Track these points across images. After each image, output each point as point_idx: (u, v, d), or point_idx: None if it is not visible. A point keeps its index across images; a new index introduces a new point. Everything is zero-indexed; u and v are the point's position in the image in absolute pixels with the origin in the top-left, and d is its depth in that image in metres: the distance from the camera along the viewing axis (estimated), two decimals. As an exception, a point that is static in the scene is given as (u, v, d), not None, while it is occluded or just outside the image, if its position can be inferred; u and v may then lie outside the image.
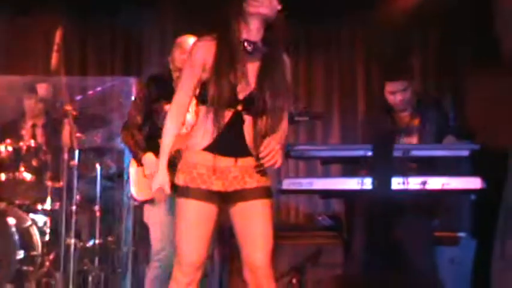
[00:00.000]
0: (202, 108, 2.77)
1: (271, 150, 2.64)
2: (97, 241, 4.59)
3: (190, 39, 3.49)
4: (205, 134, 2.72)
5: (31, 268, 4.25)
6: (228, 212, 2.80)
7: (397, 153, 3.72)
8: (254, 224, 2.73)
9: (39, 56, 5.29)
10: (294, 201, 5.13)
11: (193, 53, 2.74)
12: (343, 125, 5.19)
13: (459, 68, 5.02)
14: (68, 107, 4.21)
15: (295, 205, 5.13)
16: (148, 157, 3.44)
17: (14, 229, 4.20)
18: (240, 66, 2.69)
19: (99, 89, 4.82)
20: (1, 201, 4.37)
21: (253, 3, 2.64)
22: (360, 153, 3.83)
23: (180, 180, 2.71)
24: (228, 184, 2.70)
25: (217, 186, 2.68)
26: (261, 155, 2.67)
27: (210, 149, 2.70)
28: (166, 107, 3.45)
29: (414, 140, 4.04)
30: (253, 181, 2.72)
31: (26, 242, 4.28)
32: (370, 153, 3.75)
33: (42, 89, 4.79)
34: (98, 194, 4.61)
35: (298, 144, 4.85)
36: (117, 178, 4.68)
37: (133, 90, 5.04)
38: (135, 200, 3.59)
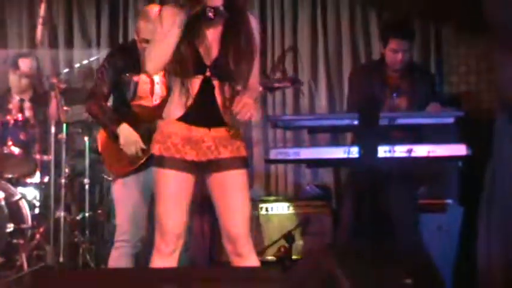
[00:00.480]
0: (173, 78, 2.81)
1: (244, 104, 2.65)
2: (86, 214, 4.62)
3: (155, 8, 3.42)
4: (178, 103, 2.75)
5: (21, 241, 4.27)
6: (205, 182, 2.85)
7: (383, 122, 3.73)
8: (229, 194, 2.77)
9: (23, 29, 5.25)
10: (282, 171, 5.15)
11: (163, 18, 2.73)
12: (330, 93, 5.18)
13: (445, 34, 5.01)
14: (54, 80, 4.18)
15: (283, 175, 5.14)
16: (124, 127, 3.37)
17: (3, 202, 4.22)
18: (202, 32, 2.72)
19: (85, 62, 4.80)
20: None
21: None
22: (346, 122, 3.85)
23: (155, 150, 2.75)
24: (201, 154, 2.73)
25: (191, 155, 2.72)
26: (234, 111, 2.67)
27: (183, 118, 2.74)
28: (135, 78, 3.47)
29: (403, 102, 4.06)
30: (227, 151, 2.75)
31: (16, 215, 4.30)
32: (356, 122, 3.76)
33: (25, 64, 4.72)
34: (87, 167, 4.62)
35: (285, 114, 4.88)
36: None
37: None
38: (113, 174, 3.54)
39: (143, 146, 3.32)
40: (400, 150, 3.67)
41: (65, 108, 4.30)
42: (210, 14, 2.67)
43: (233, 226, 2.76)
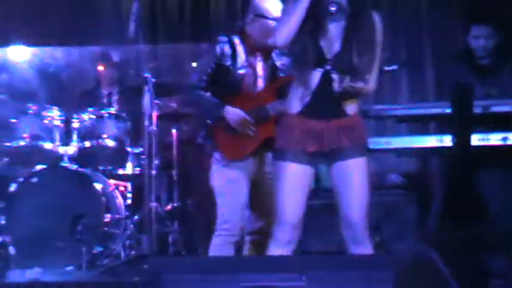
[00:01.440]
0: (293, 72, 2.92)
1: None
2: (176, 204, 4.79)
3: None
4: (297, 97, 2.86)
5: (117, 231, 4.45)
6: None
7: (477, 110, 3.75)
8: (351, 181, 2.85)
9: (111, 25, 5.46)
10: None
11: None
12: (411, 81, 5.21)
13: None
14: (147, 74, 4.32)
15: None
16: (228, 108, 3.45)
17: (100, 193, 4.40)
18: (324, 26, 2.81)
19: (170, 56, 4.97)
20: (87, 167, 4.58)
21: None
22: (439, 110, 3.88)
23: (277, 143, 2.88)
24: (324, 144, 2.82)
25: (312, 147, 2.82)
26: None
27: (303, 112, 2.84)
28: (240, 71, 3.55)
29: (494, 89, 4.08)
30: (348, 140, 2.82)
31: (111, 206, 4.49)
32: (448, 111, 3.79)
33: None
34: (175, 159, 4.79)
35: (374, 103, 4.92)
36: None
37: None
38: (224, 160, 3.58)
39: (251, 121, 3.43)
40: (494, 138, 3.70)
41: (156, 101, 4.46)
42: (333, 9, 2.75)
43: (354, 212, 2.85)
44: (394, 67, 4.00)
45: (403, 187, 4.78)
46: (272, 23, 3.42)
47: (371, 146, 4.03)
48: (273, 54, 3.64)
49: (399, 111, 4.12)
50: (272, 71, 3.64)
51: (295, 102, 2.85)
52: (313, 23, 2.78)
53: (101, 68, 5.01)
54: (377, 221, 4.47)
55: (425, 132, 4.43)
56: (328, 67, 2.80)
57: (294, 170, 2.85)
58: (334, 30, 2.81)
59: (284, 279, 2.31)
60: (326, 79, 2.81)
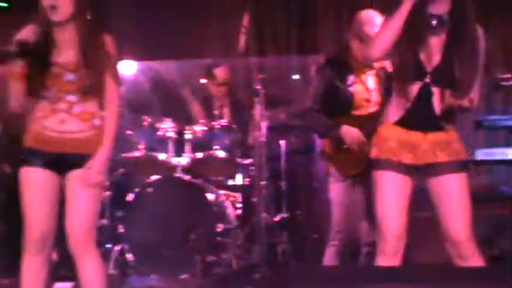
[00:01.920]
0: (393, 83, 3.00)
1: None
2: (284, 215, 4.94)
3: (375, 14, 3.65)
4: (396, 108, 2.95)
5: (228, 240, 4.61)
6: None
7: None
8: (448, 198, 2.88)
9: (217, 38, 5.72)
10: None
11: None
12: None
13: None
14: (258, 86, 4.47)
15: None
16: (345, 128, 3.66)
17: (212, 203, 4.58)
18: (424, 38, 2.87)
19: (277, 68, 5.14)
20: (199, 178, 4.78)
21: None
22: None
23: (373, 153, 2.95)
24: (418, 158, 2.88)
25: (407, 159, 2.88)
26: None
27: (400, 122, 2.92)
28: (351, 88, 3.77)
29: None
30: (445, 155, 2.87)
31: (222, 215, 4.66)
32: None
33: (220, 72, 5.21)
34: (283, 170, 4.94)
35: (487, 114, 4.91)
36: (306, 154, 5.01)
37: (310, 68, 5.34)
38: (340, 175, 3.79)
39: (365, 140, 3.58)
40: None
41: (265, 113, 4.62)
42: (434, 22, 2.82)
43: (454, 231, 2.87)
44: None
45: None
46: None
47: (482, 157, 4.05)
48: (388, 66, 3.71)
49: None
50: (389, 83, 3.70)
51: (393, 112, 2.92)
52: (414, 36, 2.85)
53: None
54: (489, 234, 4.47)
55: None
56: (427, 80, 2.86)
57: (391, 179, 2.91)
58: (435, 43, 2.86)
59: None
60: (425, 92, 2.88)
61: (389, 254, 2.90)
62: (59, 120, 3.20)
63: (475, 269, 2.88)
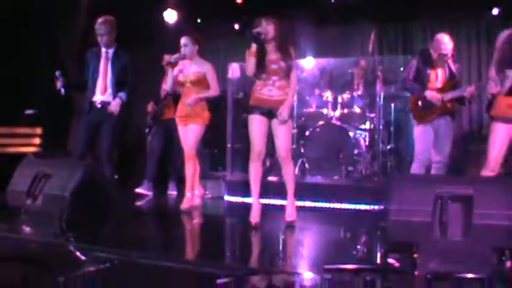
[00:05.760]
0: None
1: None
2: (392, 145, 8.07)
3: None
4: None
5: (360, 158, 7.75)
6: None
7: None
8: None
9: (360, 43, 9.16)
10: None
11: None
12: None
13: None
14: (378, 73, 7.67)
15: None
16: (427, 91, 6.12)
17: (352, 138, 7.74)
18: None
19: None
20: (345, 123, 7.91)
21: None
22: None
23: (492, 110, 4.99)
24: None
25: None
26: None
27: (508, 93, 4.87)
28: (429, 71, 6.17)
29: None
30: None
31: (357, 144, 7.74)
32: None
33: (362, 63, 8.39)
34: (393, 121, 8.11)
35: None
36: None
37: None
38: None
39: (439, 98, 5.99)
40: None
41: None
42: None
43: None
44: None
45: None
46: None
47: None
48: (450, 64, 6.11)
49: None
50: (450, 74, 6.15)
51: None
52: None
53: (354, 70, 8.33)
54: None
55: None
56: None
57: (502, 129, 4.82)
58: None
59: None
60: None
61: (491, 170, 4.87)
62: (268, 89, 5.35)
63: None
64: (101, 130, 6.37)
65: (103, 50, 6.48)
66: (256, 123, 5.37)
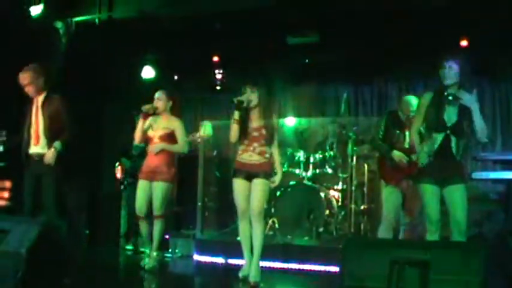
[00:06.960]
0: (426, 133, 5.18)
1: None
2: (366, 206, 8.11)
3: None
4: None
5: (331, 219, 7.84)
6: None
7: None
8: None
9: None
10: None
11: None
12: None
13: None
14: (351, 134, 7.78)
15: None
16: (395, 152, 6.14)
17: (323, 199, 7.80)
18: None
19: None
20: (316, 184, 8.00)
21: None
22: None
23: (419, 173, 5.18)
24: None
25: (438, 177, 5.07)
26: None
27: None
28: (397, 131, 6.15)
29: None
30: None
31: (329, 204, 7.80)
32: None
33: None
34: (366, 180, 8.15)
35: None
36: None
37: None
38: None
39: (406, 160, 6.00)
40: None
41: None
42: (450, 98, 5.06)
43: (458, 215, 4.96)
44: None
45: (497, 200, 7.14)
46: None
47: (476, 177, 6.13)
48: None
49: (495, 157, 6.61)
50: None
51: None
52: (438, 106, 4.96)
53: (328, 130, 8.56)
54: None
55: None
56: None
57: (429, 189, 4.99)
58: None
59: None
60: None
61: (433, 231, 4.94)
62: (249, 155, 5.62)
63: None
64: (42, 183, 6.03)
65: (34, 99, 6.20)
66: (239, 186, 5.68)
